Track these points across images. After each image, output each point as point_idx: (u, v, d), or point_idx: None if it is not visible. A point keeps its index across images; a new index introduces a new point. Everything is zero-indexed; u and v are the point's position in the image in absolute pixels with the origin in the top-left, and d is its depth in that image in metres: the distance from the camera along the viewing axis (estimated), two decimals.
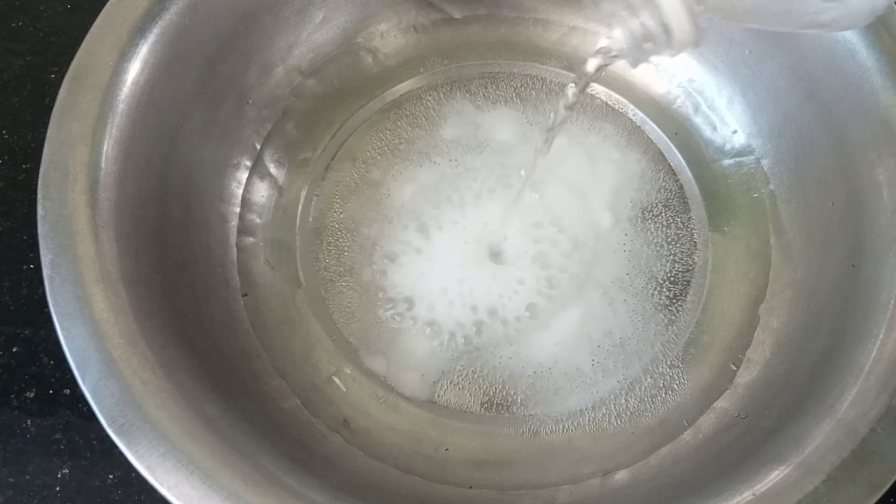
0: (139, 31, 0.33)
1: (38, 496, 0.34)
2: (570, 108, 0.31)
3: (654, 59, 0.44)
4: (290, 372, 0.36)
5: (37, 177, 0.30)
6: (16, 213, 0.40)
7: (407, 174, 0.40)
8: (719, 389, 0.36)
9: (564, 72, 0.44)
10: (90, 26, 0.33)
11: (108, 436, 0.27)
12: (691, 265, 0.39)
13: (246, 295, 0.37)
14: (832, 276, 0.35)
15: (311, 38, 0.41)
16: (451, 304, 0.37)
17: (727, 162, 0.41)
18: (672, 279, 0.39)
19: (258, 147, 0.40)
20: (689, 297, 0.38)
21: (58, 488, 0.34)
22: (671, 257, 0.39)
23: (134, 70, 0.33)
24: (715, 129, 0.42)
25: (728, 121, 0.42)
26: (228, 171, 0.39)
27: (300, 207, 0.40)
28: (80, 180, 0.31)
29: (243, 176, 0.39)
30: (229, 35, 0.37)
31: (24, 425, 0.35)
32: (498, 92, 0.43)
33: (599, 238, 0.39)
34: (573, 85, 0.30)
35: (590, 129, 0.43)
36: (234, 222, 0.39)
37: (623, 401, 0.36)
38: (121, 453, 0.26)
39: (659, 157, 0.42)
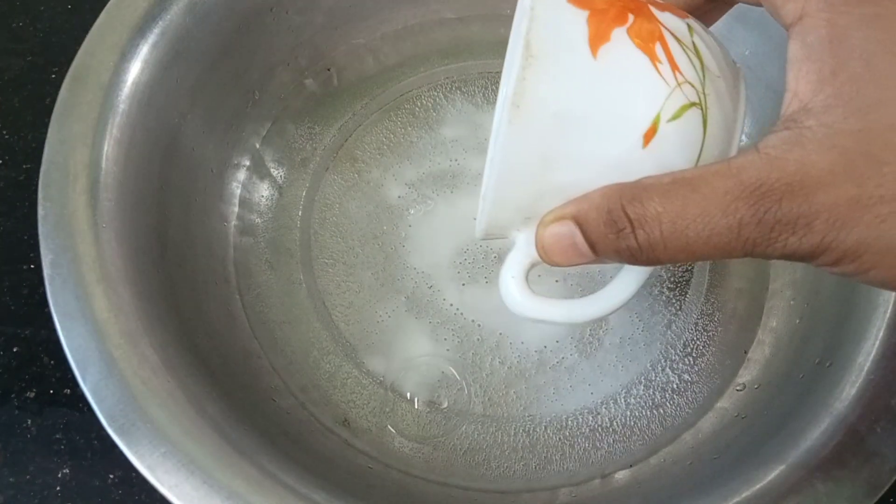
0: (140, 32, 0.34)
1: (39, 496, 0.34)
2: None
3: None
4: (289, 371, 0.36)
5: (37, 177, 0.30)
6: (16, 213, 0.40)
7: (407, 174, 0.40)
8: (719, 389, 0.36)
9: None
10: (91, 26, 0.33)
11: (108, 436, 0.27)
12: (691, 265, 0.39)
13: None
14: (832, 276, 0.35)
15: (311, 38, 0.41)
16: (452, 303, 0.37)
17: None
18: (672, 279, 0.39)
19: (258, 147, 0.40)
20: (688, 297, 0.38)
21: (58, 488, 0.34)
22: None
23: (134, 70, 0.33)
24: None
25: None
26: (228, 171, 0.39)
27: (300, 207, 0.40)
28: (81, 180, 0.31)
29: (243, 176, 0.39)
30: (230, 35, 0.37)
31: (24, 425, 0.35)
32: (498, 92, 0.43)
33: None
34: None
35: None
36: (234, 222, 0.39)
37: (623, 401, 0.36)
38: (121, 453, 0.26)
39: None
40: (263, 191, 0.40)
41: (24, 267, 0.38)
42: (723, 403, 0.35)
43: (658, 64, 0.21)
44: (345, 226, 0.39)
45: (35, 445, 0.35)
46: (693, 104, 0.21)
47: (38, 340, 0.37)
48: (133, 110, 0.33)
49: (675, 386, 0.36)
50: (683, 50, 0.22)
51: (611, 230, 0.20)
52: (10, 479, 0.34)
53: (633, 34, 0.21)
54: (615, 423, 0.36)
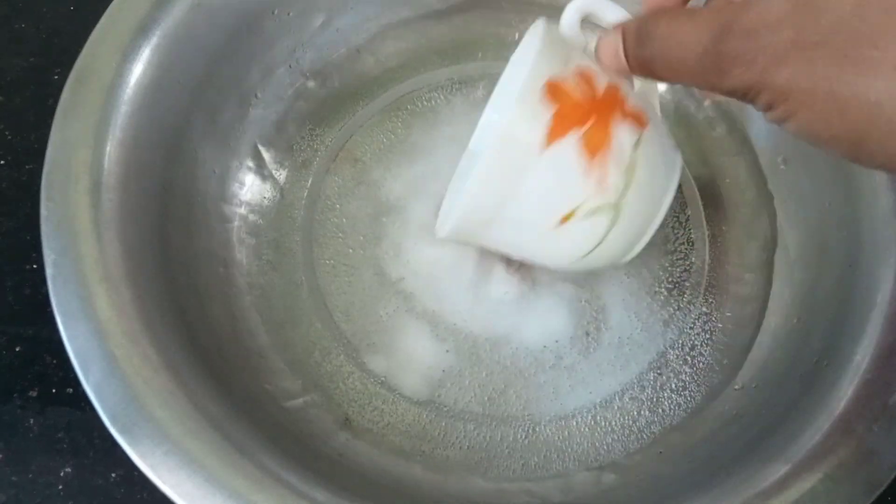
0: (142, 33, 0.34)
1: (41, 495, 0.34)
2: None
3: None
4: (291, 371, 0.36)
5: (40, 177, 0.31)
6: (19, 213, 0.40)
7: (408, 175, 0.40)
8: (717, 389, 0.36)
9: None
10: (93, 28, 0.34)
11: (110, 434, 0.27)
12: (689, 265, 0.39)
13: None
14: (829, 276, 0.35)
15: (312, 39, 0.41)
16: (452, 302, 0.37)
17: (725, 161, 0.42)
18: (670, 279, 0.39)
19: (260, 148, 0.40)
20: (686, 297, 0.38)
21: (60, 487, 0.34)
22: (669, 257, 0.39)
23: (137, 71, 0.33)
24: (714, 128, 0.42)
25: (728, 120, 0.42)
26: (230, 172, 0.39)
27: (302, 208, 0.40)
28: (83, 181, 0.31)
29: (245, 177, 0.40)
30: (231, 37, 0.37)
31: (26, 424, 0.36)
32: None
33: None
34: None
35: None
36: (236, 223, 0.39)
37: (621, 401, 0.36)
38: (123, 452, 0.27)
39: None
40: (265, 191, 0.40)
41: (27, 267, 0.39)
42: (721, 403, 0.35)
43: (589, 171, 0.27)
44: (346, 226, 0.39)
45: (37, 444, 0.35)
46: (604, 210, 0.28)
47: (41, 340, 0.37)
48: (135, 111, 0.33)
49: (673, 385, 0.36)
50: (619, 164, 0.27)
51: (636, 41, 0.25)
52: (13, 478, 0.34)
53: (584, 140, 0.27)
54: (614, 423, 0.36)
